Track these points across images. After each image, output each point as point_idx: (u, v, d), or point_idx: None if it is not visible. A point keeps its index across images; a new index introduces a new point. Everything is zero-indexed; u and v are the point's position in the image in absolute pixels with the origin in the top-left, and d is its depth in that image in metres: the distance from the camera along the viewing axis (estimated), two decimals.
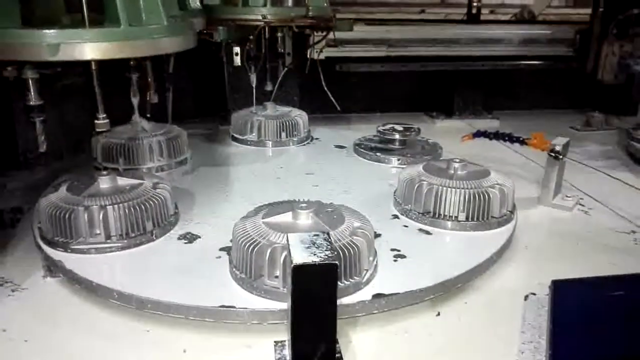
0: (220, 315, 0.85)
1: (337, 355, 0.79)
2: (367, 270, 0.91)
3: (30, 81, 0.98)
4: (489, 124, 2.17)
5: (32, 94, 1.00)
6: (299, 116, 1.75)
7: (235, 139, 1.75)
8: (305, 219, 0.93)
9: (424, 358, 0.83)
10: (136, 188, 1.07)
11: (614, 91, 2.36)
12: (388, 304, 0.88)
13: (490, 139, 1.51)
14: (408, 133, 1.62)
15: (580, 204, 1.39)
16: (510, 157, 1.77)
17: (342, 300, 0.84)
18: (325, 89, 1.81)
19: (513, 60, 2.27)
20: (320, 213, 0.95)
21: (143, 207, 1.03)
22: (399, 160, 1.55)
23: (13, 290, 0.98)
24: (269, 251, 0.85)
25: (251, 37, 1.65)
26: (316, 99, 1.96)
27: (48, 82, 1.17)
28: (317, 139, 1.81)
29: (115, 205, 0.99)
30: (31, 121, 1.03)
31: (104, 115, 1.02)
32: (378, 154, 1.58)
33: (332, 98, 1.83)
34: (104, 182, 1.06)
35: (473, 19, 2.39)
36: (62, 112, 1.59)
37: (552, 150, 1.31)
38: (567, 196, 1.38)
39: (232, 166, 1.56)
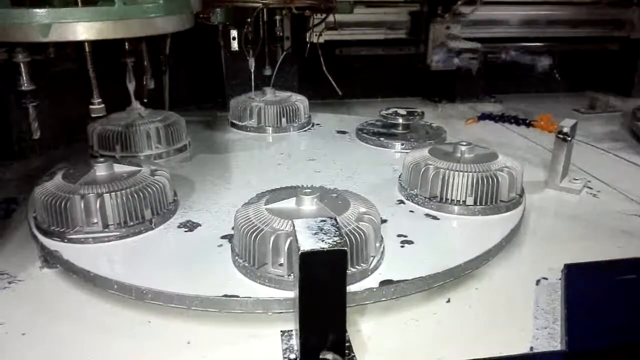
0: (224, 305, 0.82)
1: (346, 344, 0.76)
2: (373, 256, 0.89)
3: (22, 65, 0.94)
4: (492, 107, 2.13)
5: (24, 78, 0.95)
6: (300, 101, 1.72)
7: (234, 125, 1.71)
8: (309, 204, 0.90)
9: (434, 346, 0.80)
10: (134, 175, 1.03)
11: (615, 73, 2.34)
12: (396, 291, 0.85)
13: (496, 121, 1.49)
14: (411, 117, 1.58)
15: (588, 187, 1.37)
16: (515, 140, 1.74)
17: (349, 288, 0.82)
18: (326, 73, 1.77)
19: (515, 42, 2.23)
20: (325, 198, 0.92)
21: (141, 194, 0.99)
22: (402, 144, 1.51)
23: (9, 282, 0.95)
24: (272, 238, 0.82)
25: (249, 19, 1.60)
26: (316, 84, 1.92)
27: (41, 69, 1.13)
28: (318, 124, 1.78)
29: (113, 193, 0.96)
30: (24, 106, 0.99)
31: (99, 100, 0.98)
32: (381, 138, 1.55)
33: (332, 82, 1.79)
34: (100, 170, 1.03)
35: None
36: (57, 100, 1.55)
37: (560, 132, 1.28)
38: (574, 179, 1.36)
39: (232, 153, 1.53)
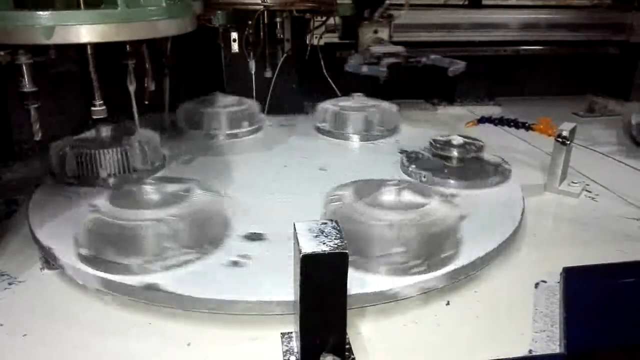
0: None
1: (346, 346, 0.77)
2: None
3: (24, 67, 0.94)
4: (491, 110, 2.14)
5: (26, 80, 0.96)
6: (375, 112, 1.64)
7: (317, 129, 1.69)
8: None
9: (434, 348, 0.81)
10: (117, 139, 1.23)
11: (615, 77, 2.34)
12: (394, 294, 0.86)
13: (495, 124, 1.49)
14: (465, 150, 1.32)
15: (586, 190, 1.37)
16: (514, 143, 1.74)
17: (350, 291, 0.82)
18: (326, 74, 1.77)
19: (514, 46, 2.24)
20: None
21: (105, 155, 1.17)
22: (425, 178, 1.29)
23: (10, 284, 0.95)
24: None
25: (250, 22, 1.61)
26: (316, 85, 1.92)
27: (42, 69, 1.13)
28: (380, 141, 1.65)
29: (83, 149, 1.17)
30: (25, 108, 0.99)
31: (101, 102, 0.99)
32: (412, 167, 1.32)
33: (332, 85, 1.79)
34: (102, 131, 1.25)
35: (475, 4, 2.35)
36: (57, 101, 1.55)
37: (559, 136, 1.29)
38: (573, 182, 1.36)
39: (264, 151, 1.56)
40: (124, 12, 0.88)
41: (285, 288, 0.80)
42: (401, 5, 1.76)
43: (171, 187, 0.98)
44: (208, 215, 0.94)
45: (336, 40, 2.03)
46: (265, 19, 1.67)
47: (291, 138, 1.66)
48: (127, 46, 1.26)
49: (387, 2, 1.76)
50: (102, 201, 0.94)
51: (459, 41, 2.16)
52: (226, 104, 1.67)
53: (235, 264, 0.92)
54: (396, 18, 1.82)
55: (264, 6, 1.56)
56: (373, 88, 2.28)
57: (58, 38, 0.84)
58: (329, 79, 1.80)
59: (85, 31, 0.86)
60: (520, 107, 2.20)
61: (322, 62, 1.76)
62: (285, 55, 1.80)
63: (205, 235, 0.93)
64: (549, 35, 2.28)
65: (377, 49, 1.70)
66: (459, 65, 1.58)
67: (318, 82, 1.91)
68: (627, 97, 2.30)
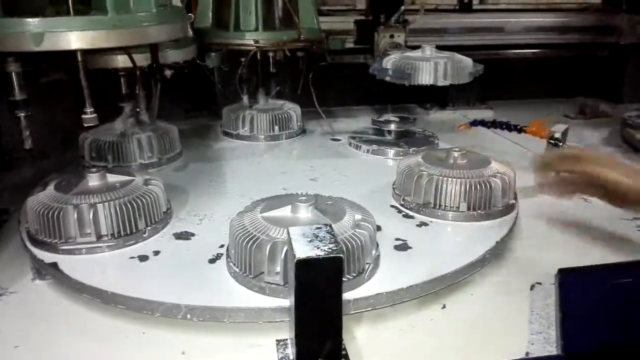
0: (222, 314, 0.81)
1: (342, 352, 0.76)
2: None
3: (13, 75, 0.93)
4: (483, 114, 2.14)
5: (16, 88, 0.95)
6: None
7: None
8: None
9: (431, 352, 0.80)
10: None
11: (605, 79, 2.36)
12: (390, 299, 0.85)
13: (488, 127, 1.50)
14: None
15: None
16: (507, 146, 1.75)
17: (345, 296, 0.81)
18: (318, 108, 1.76)
19: (505, 49, 2.25)
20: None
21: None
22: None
23: (1, 295, 0.94)
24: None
25: (243, 59, 1.65)
26: (306, 94, 1.91)
27: (32, 79, 1.12)
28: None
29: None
30: (16, 116, 0.98)
31: (92, 110, 0.98)
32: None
33: (320, 112, 1.77)
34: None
35: (465, 8, 2.36)
36: (48, 110, 1.54)
37: (552, 137, 1.29)
38: None
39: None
40: (113, 18, 0.88)
41: None
42: (416, 10, 1.76)
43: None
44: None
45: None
46: (258, 56, 1.70)
47: None
48: (123, 87, 1.30)
49: (403, 7, 1.76)
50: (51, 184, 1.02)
51: (450, 45, 2.16)
52: None
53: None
54: (412, 23, 1.82)
55: (257, 47, 1.60)
56: (365, 94, 2.29)
57: (48, 45, 0.83)
58: (321, 113, 1.78)
59: (75, 38, 0.85)
60: (512, 110, 2.20)
61: (314, 98, 1.74)
62: (277, 88, 1.82)
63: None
64: (539, 39, 2.29)
65: (396, 55, 1.72)
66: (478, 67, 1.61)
67: (308, 90, 1.90)
68: (618, 99, 2.32)
